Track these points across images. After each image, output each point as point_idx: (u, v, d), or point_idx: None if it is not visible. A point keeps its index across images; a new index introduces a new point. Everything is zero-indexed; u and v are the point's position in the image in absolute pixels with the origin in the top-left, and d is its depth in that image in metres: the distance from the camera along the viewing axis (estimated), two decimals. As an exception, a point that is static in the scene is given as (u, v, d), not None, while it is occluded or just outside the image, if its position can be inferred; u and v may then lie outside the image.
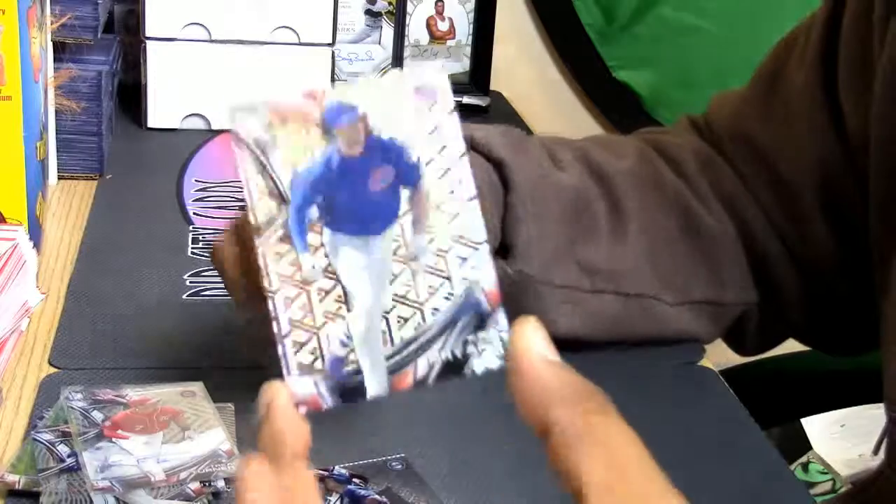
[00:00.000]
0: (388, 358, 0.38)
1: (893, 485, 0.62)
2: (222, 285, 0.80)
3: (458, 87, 1.24)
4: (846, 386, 1.04)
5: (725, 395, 0.72)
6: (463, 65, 1.29)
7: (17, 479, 0.55)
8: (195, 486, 0.54)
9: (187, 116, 1.08)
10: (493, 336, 0.38)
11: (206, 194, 0.95)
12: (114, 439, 0.55)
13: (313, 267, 0.38)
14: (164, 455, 0.55)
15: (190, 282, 0.79)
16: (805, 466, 0.99)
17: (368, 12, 1.22)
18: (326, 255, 0.38)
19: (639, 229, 0.72)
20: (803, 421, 1.00)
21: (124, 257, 0.83)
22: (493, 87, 1.30)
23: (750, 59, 0.79)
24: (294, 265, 0.38)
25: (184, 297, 0.78)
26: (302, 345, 0.38)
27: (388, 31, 1.23)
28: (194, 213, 0.92)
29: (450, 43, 1.27)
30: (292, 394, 0.37)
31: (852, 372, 1.02)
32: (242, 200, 0.93)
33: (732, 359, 0.86)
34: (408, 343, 0.38)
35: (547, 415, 0.33)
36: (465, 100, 1.22)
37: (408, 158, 0.38)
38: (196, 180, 0.98)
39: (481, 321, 0.38)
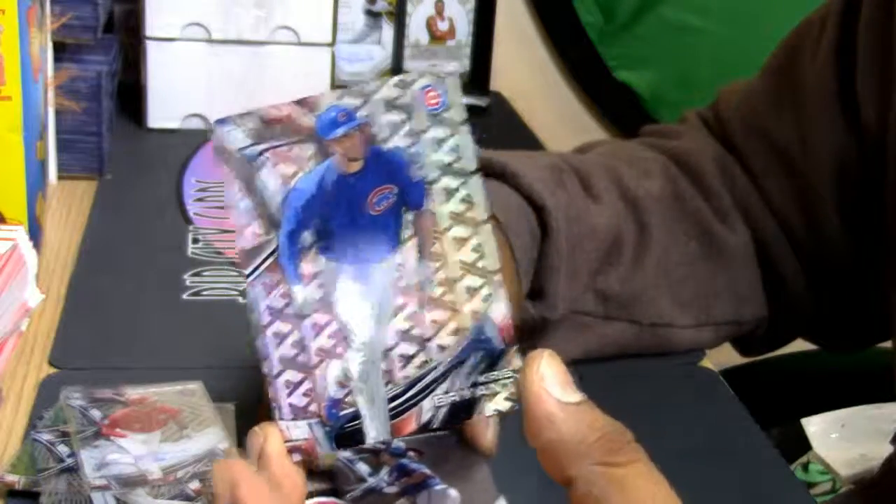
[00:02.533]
0: (390, 400, 0.34)
1: None
2: (222, 285, 0.81)
3: (459, 87, 1.24)
4: (846, 386, 1.03)
5: (725, 395, 0.72)
6: (463, 65, 1.29)
7: (16, 479, 0.55)
8: (195, 485, 0.54)
9: (187, 116, 1.08)
10: (505, 377, 0.34)
11: (206, 194, 0.95)
12: (111, 437, 0.55)
13: (306, 299, 0.34)
14: (161, 453, 0.55)
15: (190, 282, 0.79)
16: (805, 466, 0.98)
17: (368, 12, 1.22)
18: (321, 286, 0.34)
19: (661, 254, 0.71)
20: (803, 421, 1.00)
21: (124, 257, 0.83)
22: (493, 87, 1.30)
23: (750, 59, 0.79)
24: (285, 297, 0.34)
25: (184, 297, 0.78)
26: (295, 385, 0.34)
27: (388, 31, 1.23)
28: (194, 214, 0.92)
29: (450, 43, 1.27)
30: (285, 438, 0.34)
31: (852, 372, 1.02)
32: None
33: (732, 359, 0.86)
34: (412, 384, 0.34)
35: (567, 469, 0.31)
36: (465, 100, 1.22)
37: (412, 175, 0.34)
38: (196, 180, 0.98)
39: (493, 360, 0.34)
